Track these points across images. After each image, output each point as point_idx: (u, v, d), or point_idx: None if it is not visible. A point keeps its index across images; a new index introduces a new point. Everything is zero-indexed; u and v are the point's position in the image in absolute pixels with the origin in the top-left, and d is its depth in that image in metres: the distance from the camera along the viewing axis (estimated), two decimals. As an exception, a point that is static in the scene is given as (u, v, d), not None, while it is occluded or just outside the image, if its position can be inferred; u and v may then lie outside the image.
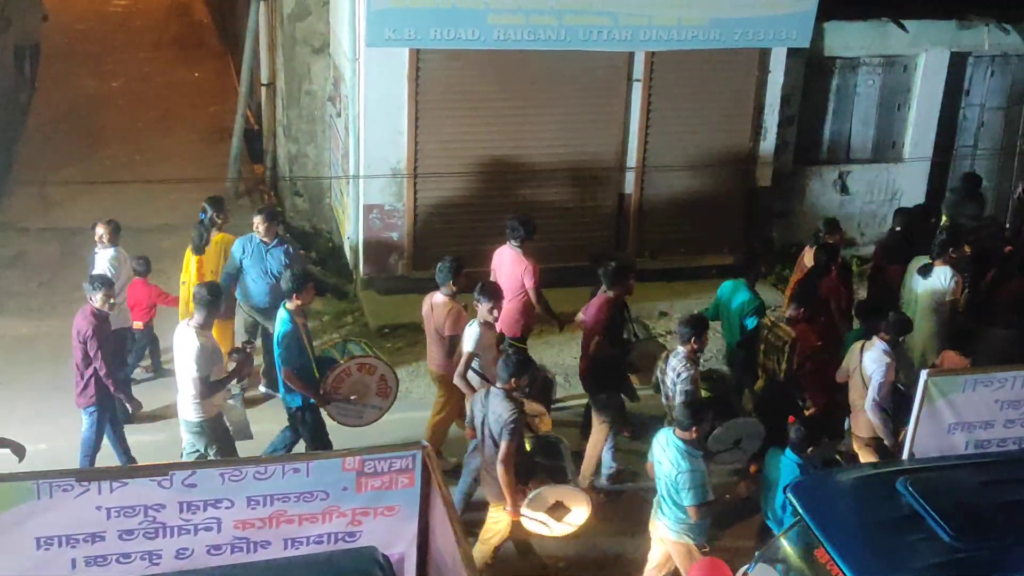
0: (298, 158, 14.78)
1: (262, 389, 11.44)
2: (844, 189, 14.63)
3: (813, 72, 14.07)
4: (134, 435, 10.22)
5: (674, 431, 8.21)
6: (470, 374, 9.46)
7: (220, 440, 9.23)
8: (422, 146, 12.80)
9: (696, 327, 9.31)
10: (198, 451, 9.19)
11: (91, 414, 9.67)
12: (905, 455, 8.43)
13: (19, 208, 14.76)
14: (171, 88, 19.52)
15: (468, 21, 12.16)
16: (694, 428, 8.13)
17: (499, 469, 8.26)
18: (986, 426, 8.51)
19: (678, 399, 9.09)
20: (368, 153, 12.71)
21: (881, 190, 14.69)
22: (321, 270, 13.55)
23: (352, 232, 13.21)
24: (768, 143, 13.86)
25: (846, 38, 14.05)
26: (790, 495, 7.92)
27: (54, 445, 10.13)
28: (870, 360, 9.44)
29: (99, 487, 6.15)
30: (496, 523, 8.70)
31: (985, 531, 7.35)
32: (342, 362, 9.58)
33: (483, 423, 8.50)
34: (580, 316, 10.36)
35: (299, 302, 9.44)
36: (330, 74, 14.05)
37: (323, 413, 9.71)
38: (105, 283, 9.60)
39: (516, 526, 8.60)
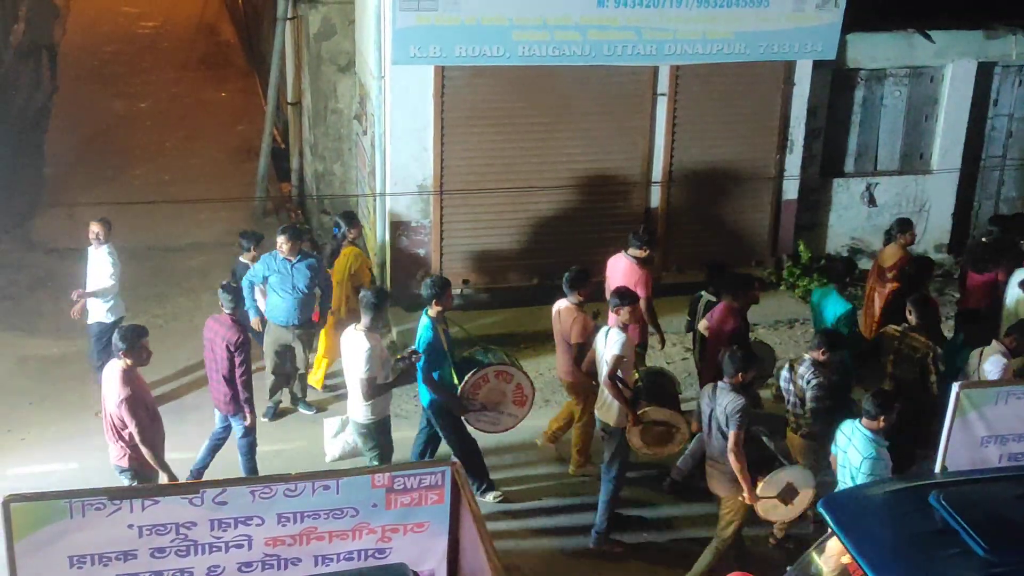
0: (325, 176, 14.85)
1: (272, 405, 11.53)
2: (872, 201, 14.55)
3: (839, 84, 14.04)
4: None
5: (860, 421, 8.47)
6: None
7: (383, 444, 9.47)
8: (448, 163, 12.84)
9: (830, 341, 9.46)
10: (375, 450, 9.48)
11: (242, 420, 9.88)
12: (937, 468, 8.37)
13: (49, 229, 14.90)
14: (199, 108, 19.67)
15: (493, 38, 12.20)
16: (882, 418, 8.38)
17: (731, 457, 8.73)
18: (1019, 439, 8.44)
19: (809, 405, 9.38)
20: (394, 170, 12.76)
21: (909, 201, 14.61)
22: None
23: (379, 249, 13.25)
24: (795, 156, 13.82)
25: (872, 49, 14.00)
26: (822, 510, 7.87)
27: (85, 464, 10.20)
28: (991, 366, 9.49)
29: (131, 505, 6.20)
30: (729, 511, 9.07)
31: (1020, 545, 7.26)
32: (484, 367, 9.82)
33: (710, 417, 8.95)
34: (704, 324, 10.60)
35: (439, 308, 9.69)
36: (356, 92, 14.12)
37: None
38: (237, 291, 10.07)
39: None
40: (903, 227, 11.71)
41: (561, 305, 10.24)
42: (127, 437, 8.69)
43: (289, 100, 15.48)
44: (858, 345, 10.56)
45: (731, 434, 8.69)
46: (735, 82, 13.29)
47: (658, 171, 13.44)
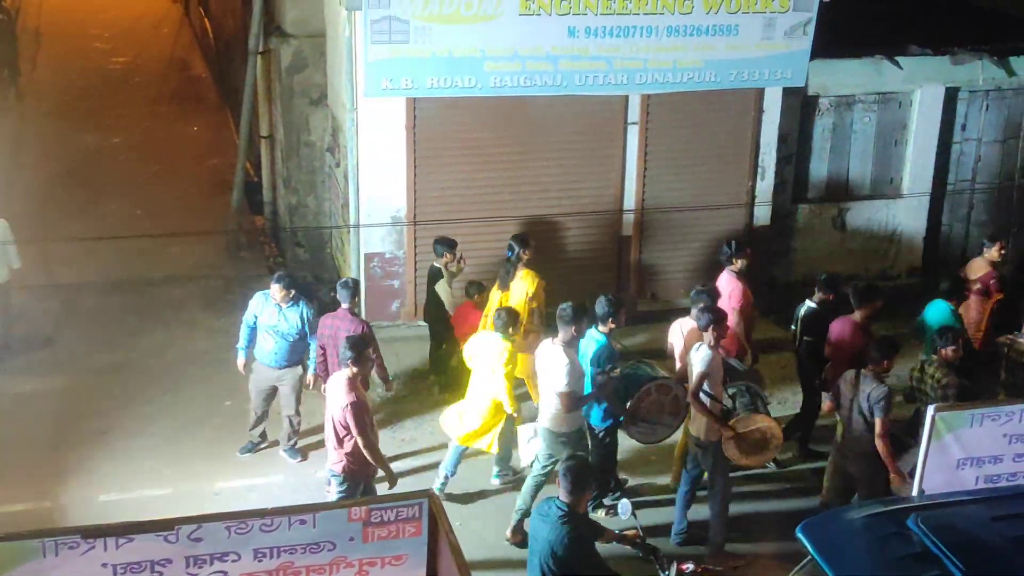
0: (298, 208, 14.83)
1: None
2: (843, 226, 14.65)
3: (809, 110, 14.15)
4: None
5: None
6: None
7: (581, 450, 9.73)
8: (421, 194, 12.85)
9: (954, 336, 9.95)
10: (555, 459, 9.64)
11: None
12: (915, 492, 8.38)
13: (22, 265, 14.76)
14: (171, 142, 19.62)
15: (465, 69, 12.24)
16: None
17: (878, 443, 9.29)
18: (995, 460, 8.45)
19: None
20: (368, 202, 12.76)
21: (881, 226, 14.72)
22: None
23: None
24: (766, 182, 13.91)
25: (841, 76, 14.14)
26: (800, 534, 7.86)
27: (58, 504, 10.10)
28: None
29: (105, 544, 6.11)
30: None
31: (998, 568, 7.28)
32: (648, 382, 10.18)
33: (851, 404, 9.45)
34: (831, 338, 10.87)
35: (613, 326, 9.89)
36: (328, 125, 14.13)
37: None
38: (355, 286, 10.73)
39: None
40: (992, 240, 11.96)
41: (685, 324, 10.57)
42: (348, 443, 9.16)
43: (262, 134, 15.47)
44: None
45: (878, 422, 9.26)
46: (706, 110, 13.39)
47: (631, 199, 13.50)
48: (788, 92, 13.64)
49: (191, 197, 17.21)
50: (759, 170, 13.84)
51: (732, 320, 10.78)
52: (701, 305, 10.14)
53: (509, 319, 10.16)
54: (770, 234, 14.18)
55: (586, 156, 13.27)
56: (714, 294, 10.66)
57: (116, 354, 12.76)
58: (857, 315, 10.59)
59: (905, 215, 14.76)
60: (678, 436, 10.59)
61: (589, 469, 8.19)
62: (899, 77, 14.28)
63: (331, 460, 9.40)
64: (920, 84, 14.36)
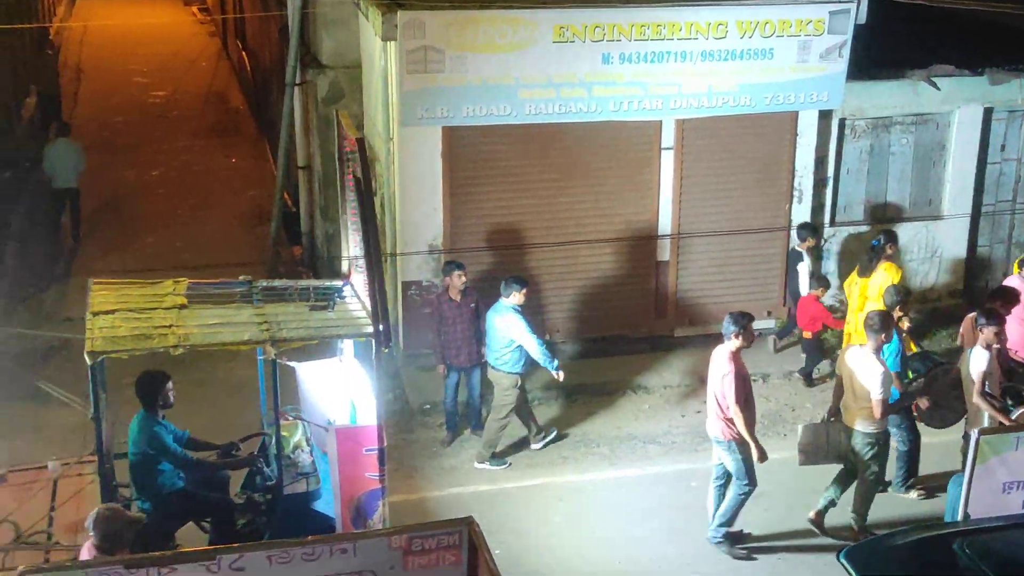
0: (335, 238, 14.89)
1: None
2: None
3: (846, 133, 14.09)
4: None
5: None
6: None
7: (882, 454, 10.02)
8: (458, 222, 12.90)
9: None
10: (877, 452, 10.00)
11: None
12: (960, 516, 8.28)
13: (64, 299, 14.95)
14: (209, 175, 19.85)
15: (499, 97, 12.30)
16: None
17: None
18: (1042, 483, 8.34)
19: None
20: (405, 230, 12.82)
21: (921, 248, 14.60)
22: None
23: (392, 309, 13.26)
24: (803, 205, 13.84)
25: (878, 98, 14.06)
26: (844, 560, 7.78)
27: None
28: None
29: (147, 573, 6.13)
30: None
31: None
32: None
33: None
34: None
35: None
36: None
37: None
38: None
39: None
40: None
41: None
42: (729, 413, 9.64)
43: (299, 164, 15.60)
44: None
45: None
46: (741, 134, 13.36)
47: (666, 224, 13.47)
48: (824, 114, 13.59)
49: (230, 228, 17.38)
50: (796, 193, 13.78)
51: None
52: (984, 311, 10.34)
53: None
54: (809, 257, 14.07)
55: (621, 182, 13.26)
56: (1010, 296, 11.01)
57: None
58: None
59: (945, 236, 14.63)
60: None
61: None
62: (936, 98, 14.19)
63: (716, 430, 9.85)
64: (958, 104, 14.26)
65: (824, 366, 13.19)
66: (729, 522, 10.08)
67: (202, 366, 12.33)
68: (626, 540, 10.30)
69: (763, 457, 9.77)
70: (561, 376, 11.44)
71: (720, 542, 10.11)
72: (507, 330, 11.27)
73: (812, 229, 13.29)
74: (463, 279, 11.63)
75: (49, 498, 8.15)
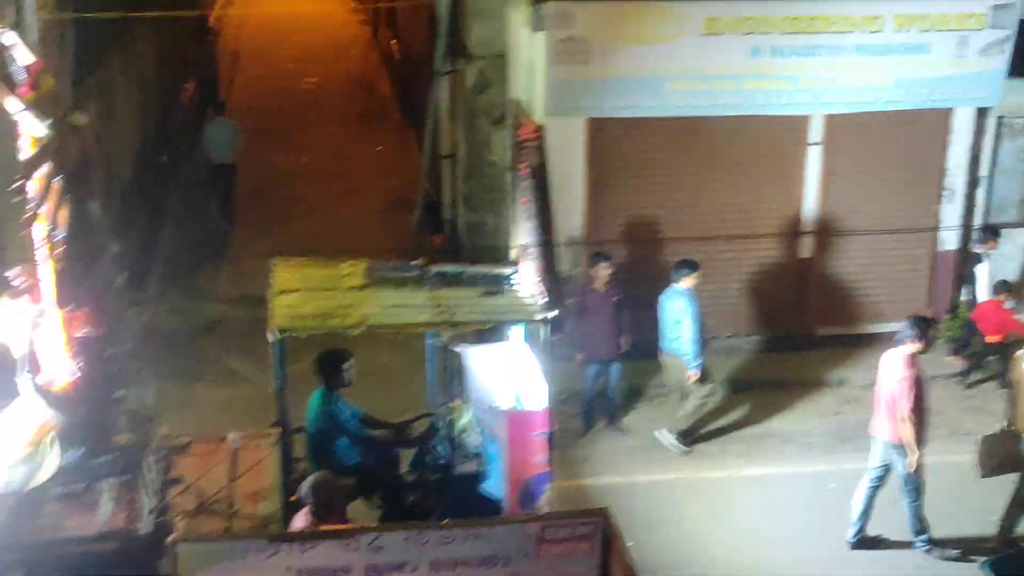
0: (477, 227, 15.06)
1: None
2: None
3: (1003, 131, 13.61)
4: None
5: None
6: None
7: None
8: (598, 214, 12.90)
9: None
10: None
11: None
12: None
13: (217, 280, 15.47)
14: (356, 161, 20.24)
15: (646, 89, 12.25)
16: None
17: None
18: None
19: None
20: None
21: (1079, 252, 14.03)
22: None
23: (530, 299, 13.33)
24: (955, 206, 13.44)
25: (1037, 96, 13.55)
26: (988, 571, 7.57)
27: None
28: None
29: (290, 549, 6.35)
30: None
31: None
32: None
33: None
34: None
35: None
36: (510, 144, 14.33)
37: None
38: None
39: None
40: None
41: None
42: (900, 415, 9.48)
43: (444, 153, 15.79)
44: None
45: None
46: (892, 130, 13.04)
47: (810, 221, 13.24)
48: (980, 112, 13.16)
49: (373, 215, 17.70)
50: (946, 193, 13.38)
51: None
52: None
53: None
54: (958, 259, 13.68)
55: (765, 176, 13.08)
56: None
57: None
58: None
59: (1106, 240, 14.03)
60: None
61: None
62: (1100, 96, 13.59)
63: (885, 432, 9.72)
64: (1124, 101, 13.64)
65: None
66: (922, 528, 9.90)
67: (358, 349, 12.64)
68: (761, 540, 10.19)
69: (917, 465, 9.60)
70: (694, 377, 11.39)
71: (928, 549, 9.93)
72: (678, 313, 11.29)
73: (994, 231, 13.01)
74: (609, 271, 11.65)
75: (228, 468, 8.40)
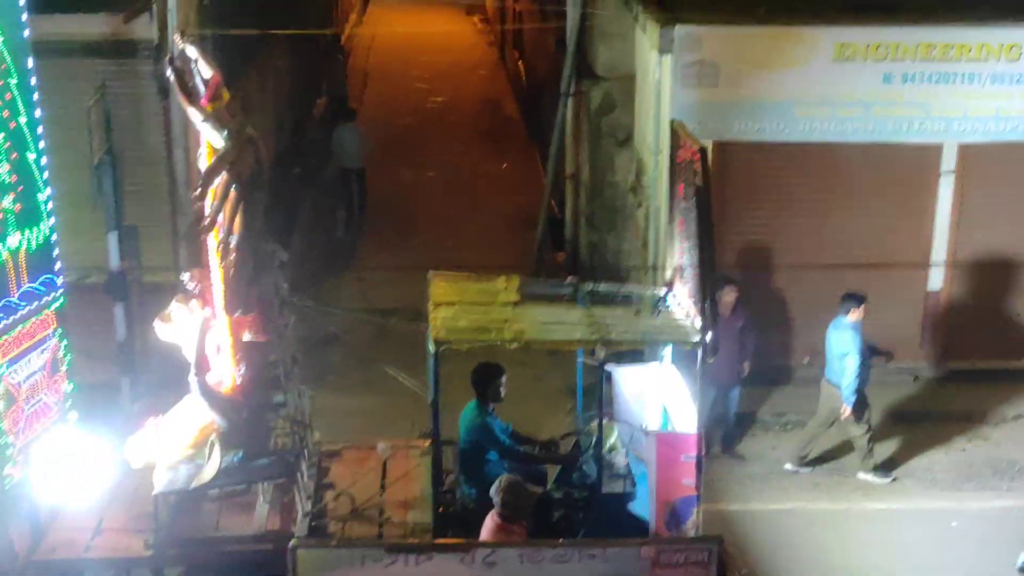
0: (598, 246, 15.10)
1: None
2: None
3: None
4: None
5: None
6: None
7: None
8: (722, 238, 12.77)
9: None
10: None
11: None
12: None
13: (342, 291, 15.77)
14: (480, 178, 20.47)
15: (773, 114, 12.17)
16: None
17: None
18: None
19: None
20: (665, 244, 12.82)
21: None
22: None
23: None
24: (1096, 241, 13.02)
25: None
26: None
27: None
28: None
29: (406, 559, 6.47)
30: None
31: None
32: None
33: None
34: None
35: None
36: (633, 166, 14.35)
37: None
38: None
39: None
40: None
41: None
42: None
43: (567, 172, 15.88)
44: None
45: None
46: (1029, 161, 12.69)
47: (940, 253, 12.95)
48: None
49: (496, 231, 17.87)
50: (1085, 226, 12.97)
51: None
52: None
53: None
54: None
55: (894, 205, 12.82)
56: None
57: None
58: None
59: None
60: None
61: None
62: None
63: None
64: None
65: None
66: None
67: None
68: (879, 576, 10.01)
69: None
70: (846, 413, 11.26)
71: None
72: (844, 346, 11.18)
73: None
74: (733, 295, 11.57)
75: (379, 476, 8.55)
